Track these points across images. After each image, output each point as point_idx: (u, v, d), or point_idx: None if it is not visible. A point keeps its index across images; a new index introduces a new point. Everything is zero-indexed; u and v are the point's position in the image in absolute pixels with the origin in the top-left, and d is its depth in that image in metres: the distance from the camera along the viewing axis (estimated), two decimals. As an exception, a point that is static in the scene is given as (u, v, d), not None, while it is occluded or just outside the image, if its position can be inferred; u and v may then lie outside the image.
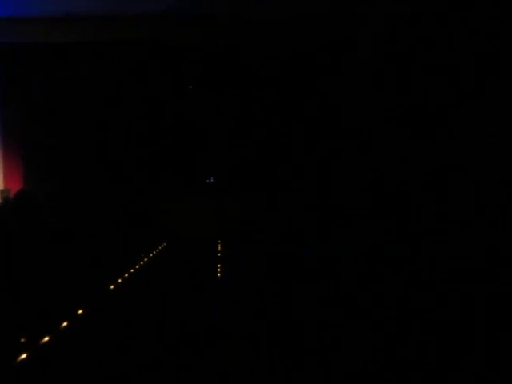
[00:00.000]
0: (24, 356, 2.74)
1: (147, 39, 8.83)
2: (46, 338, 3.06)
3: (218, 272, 5.74)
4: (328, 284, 4.57)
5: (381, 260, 4.90)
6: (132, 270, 5.77)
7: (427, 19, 5.75)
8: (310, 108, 9.10)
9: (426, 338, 2.98)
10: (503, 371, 2.54)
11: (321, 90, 9.06)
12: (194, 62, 9.50)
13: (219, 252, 7.88)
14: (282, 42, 8.75)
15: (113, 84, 9.32)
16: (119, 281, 5.09)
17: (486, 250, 4.13)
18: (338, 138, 8.70)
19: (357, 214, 6.53)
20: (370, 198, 6.58)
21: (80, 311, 3.74)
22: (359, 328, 3.29)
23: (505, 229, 4.22)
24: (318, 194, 8.51)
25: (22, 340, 2.94)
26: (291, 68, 9.26)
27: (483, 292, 3.55)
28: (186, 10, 8.30)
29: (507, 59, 4.58)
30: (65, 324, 3.39)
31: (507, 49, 4.57)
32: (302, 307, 3.88)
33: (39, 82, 8.90)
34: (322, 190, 8.47)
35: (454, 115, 5.24)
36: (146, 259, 6.90)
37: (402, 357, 2.78)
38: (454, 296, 3.61)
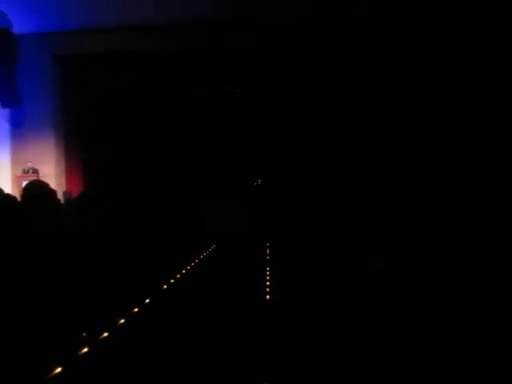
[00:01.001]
0: (85, 350, 2.95)
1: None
2: (105, 334, 3.27)
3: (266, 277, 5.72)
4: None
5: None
6: (183, 271, 5.99)
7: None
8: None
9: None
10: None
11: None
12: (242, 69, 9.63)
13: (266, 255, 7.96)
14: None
15: (156, 92, 9.72)
16: (171, 281, 5.30)
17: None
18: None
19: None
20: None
21: (135, 309, 3.96)
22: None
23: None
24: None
25: (84, 335, 3.15)
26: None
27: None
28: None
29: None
30: (122, 321, 3.60)
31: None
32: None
33: (96, 90, 9.37)
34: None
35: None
36: (196, 260, 7.12)
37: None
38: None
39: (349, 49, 8.37)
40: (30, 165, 8.49)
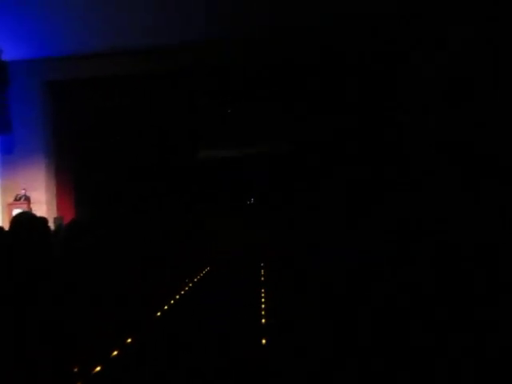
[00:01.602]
0: (78, 385, 2.86)
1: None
2: (98, 368, 3.18)
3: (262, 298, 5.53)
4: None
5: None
6: (177, 296, 5.90)
7: None
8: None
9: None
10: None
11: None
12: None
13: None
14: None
15: (147, 113, 9.76)
16: (165, 308, 5.21)
17: None
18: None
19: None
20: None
21: (129, 340, 3.87)
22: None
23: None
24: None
25: (75, 370, 3.06)
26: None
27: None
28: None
29: None
30: (115, 353, 3.51)
31: None
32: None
33: (87, 115, 9.37)
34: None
35: None
36: (190, 284, 7.02)
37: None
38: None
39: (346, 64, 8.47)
40: (23, 192, 8.40)
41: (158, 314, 4.92)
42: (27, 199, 8.29)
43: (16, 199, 8.34)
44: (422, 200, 6.67)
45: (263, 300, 5.41)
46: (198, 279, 7.81)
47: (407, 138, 7.55)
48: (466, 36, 5.50)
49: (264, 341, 3.64)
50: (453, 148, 5.77)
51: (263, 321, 4.39)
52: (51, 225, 7.10)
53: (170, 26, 8.06)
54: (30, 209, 7.73)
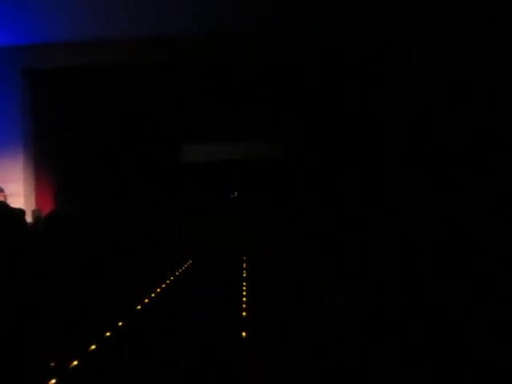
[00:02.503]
0: (53, 382, 2.79)
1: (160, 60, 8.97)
2: (75, 362, 3.11)
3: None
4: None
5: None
6: (158, 290, 5.83)
7: None
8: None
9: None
10: None
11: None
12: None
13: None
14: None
15: (129, 104, 9.63)
16: (145, 301, 5.14)
17: None
18: None
19: None
20: None
21: (108, 333, 3.80)
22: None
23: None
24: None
25: (52, 364, 3.00)
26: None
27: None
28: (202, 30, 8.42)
29: None
30: (93, 347, 3.44)
31: None
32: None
33: (65, 105, 9.18)
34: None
35: None
36: (172, 278, 6.96)
37: None
38: None
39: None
40: (-5, 184, 8.18)
41: (138, 307, 4.86)
42: (1, 191, 8.10)
43: (-11, 191, 8.13)
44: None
45: (244, 293, 5.42)
46: (179, 273, 7.76)
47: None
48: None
49: (244, 333, 3.67)
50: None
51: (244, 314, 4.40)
52: (29, 218, 6.96)
53: (157, 18, 7.92)
54: (6, 200, 7.54)
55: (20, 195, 8.37)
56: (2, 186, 8.12)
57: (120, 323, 4.12)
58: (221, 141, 11.27)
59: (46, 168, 9.13)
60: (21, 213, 4.42)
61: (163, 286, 6.16)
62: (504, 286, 3.79)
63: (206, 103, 10.07)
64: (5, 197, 7.77)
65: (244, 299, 5.07)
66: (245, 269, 7.93)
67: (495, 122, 4.87)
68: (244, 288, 5.79)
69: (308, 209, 9.77)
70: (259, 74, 9.17)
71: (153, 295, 5.46)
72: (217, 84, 9.51)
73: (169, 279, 6.74)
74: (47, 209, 7.80)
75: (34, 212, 7.48)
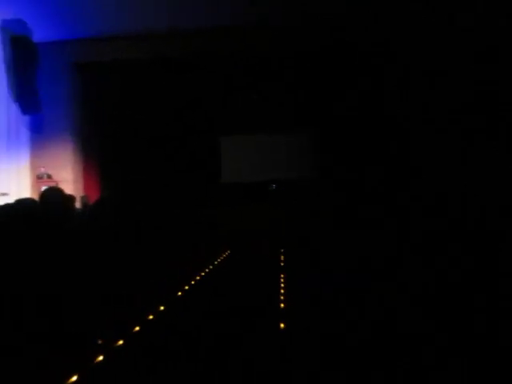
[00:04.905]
0: (101, 357, 2.97)
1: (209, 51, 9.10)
2: (121, 342, 3.29)
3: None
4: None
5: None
6: (198, 278, 6.00)
7: None
8: None
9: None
10: None
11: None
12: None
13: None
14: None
15: (178, 98, 9.84)
16: (186, 288, 5.31)
17: None
18: None
19: None
20: None
21: (150, 317, 3.98)
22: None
23: None
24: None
25: (100, 342, 3.18)
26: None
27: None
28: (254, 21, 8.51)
29: None
30: (137, 329, 3.62)
31: None
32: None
33: (116, 97, 9.51)
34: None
35: None
36: (211, 266, 7.12)
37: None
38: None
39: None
40: (42, 170, 8.62)
41: (179, 293, 5.03)
42: (50, 177, 8.50)
43: (39, 177, 8.56)
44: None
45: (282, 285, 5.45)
46: (218, 262, 7.92)
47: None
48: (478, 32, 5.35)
49: (282, 325, 3.68)
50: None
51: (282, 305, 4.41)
52: (78, 204, 7.28)
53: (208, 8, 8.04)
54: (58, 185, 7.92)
55: (69, 181, 8.76)
56: (51, 173, 8.51)
57: (161, 308, 4.29)
58: (263, 133, 11.34)
59: (94, 156, 9.50)
60: (72, 199, 4.65)
61: (202, 274, 6.33)
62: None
63: (248, 96, 10.18)
64: (57, 183, 8.14)
65: (282, 291, 5.11)
66: (282, 261, 8.00)
67: None
68: (282, 280, 5.83)
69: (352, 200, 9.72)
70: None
71: (193, 282, 5.63)
72: (257, 77, 9.59)
73: (208, 268, 6.90)
74: (94, 195, 8.14)
75: (82, 198, 7.83)
